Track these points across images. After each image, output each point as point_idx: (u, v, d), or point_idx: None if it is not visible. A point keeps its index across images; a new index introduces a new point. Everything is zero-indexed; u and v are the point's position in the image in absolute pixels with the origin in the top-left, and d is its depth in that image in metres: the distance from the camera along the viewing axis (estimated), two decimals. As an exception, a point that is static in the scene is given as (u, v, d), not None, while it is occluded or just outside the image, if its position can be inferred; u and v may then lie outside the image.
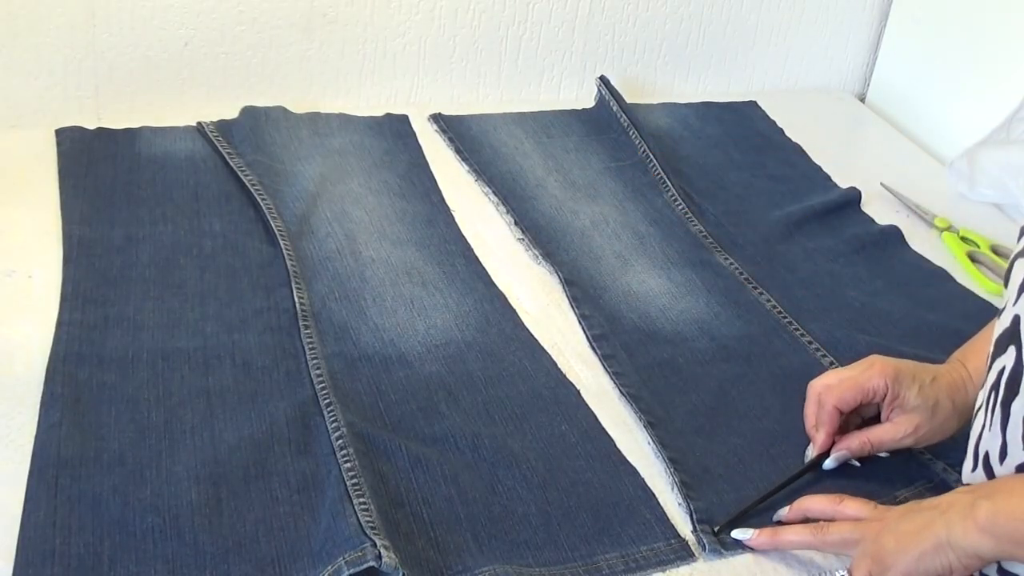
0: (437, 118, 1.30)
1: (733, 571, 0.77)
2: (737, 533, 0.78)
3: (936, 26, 1.43)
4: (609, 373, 0.93)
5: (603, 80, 1.36)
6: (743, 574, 0.77)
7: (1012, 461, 0.68)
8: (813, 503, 0.78)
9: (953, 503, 0.68)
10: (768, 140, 1.38)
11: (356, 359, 0.91)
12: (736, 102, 1.45)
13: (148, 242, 1.01)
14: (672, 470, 0.83)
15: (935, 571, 0.68)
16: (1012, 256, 0.73)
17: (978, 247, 1.18)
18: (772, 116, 1.43)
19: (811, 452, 0.86)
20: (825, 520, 0.77)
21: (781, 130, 1.40)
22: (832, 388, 0.84)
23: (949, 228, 1.21)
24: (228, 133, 1.19)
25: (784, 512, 0.80)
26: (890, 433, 0.83)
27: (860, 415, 0.87)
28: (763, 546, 0.78)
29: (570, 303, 1.02)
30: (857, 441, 0.84)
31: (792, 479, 0.84)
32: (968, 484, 0.74)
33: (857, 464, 0.86)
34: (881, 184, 1.28)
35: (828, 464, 0.85)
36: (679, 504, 0.81)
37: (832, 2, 1.50)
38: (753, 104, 1.45)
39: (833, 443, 0.85)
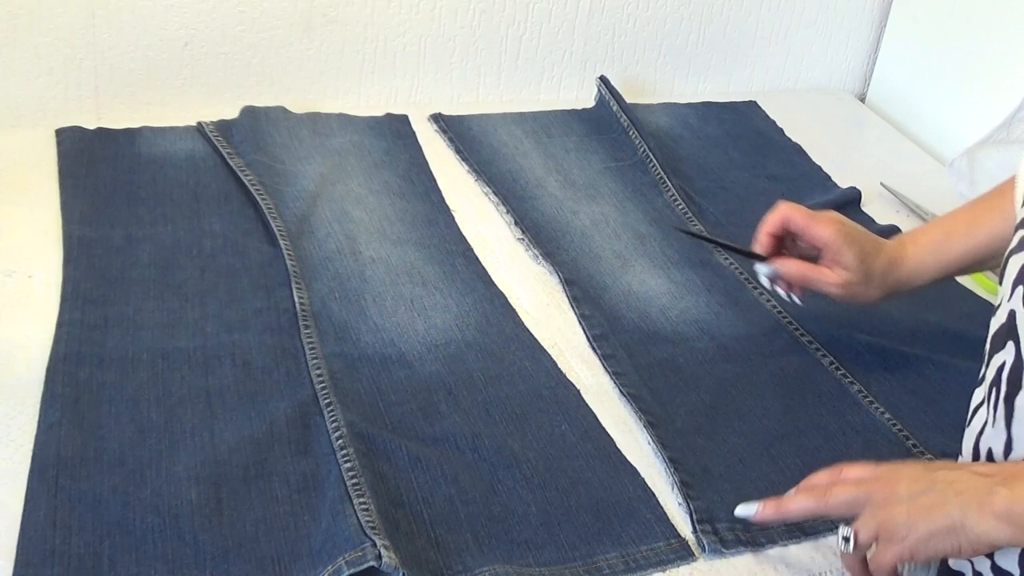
0: (437, 118, 1.30)
1: (733, 571, 0.77)
2: (741, 509, 0.77)
3: (936, 26, 1.43)
4: (609, 373, 0.93)
5: (603, 80, 1.36)
6: (743, 574, 0.77)
7: (1018, 455, 0.68)
8: (816, 479, 0.77)
9: (968, 488, 0.66)
10: (768, 140, 1.38)
11: (356, 359, 0.91)
12: (736, 102, 1.45)
13: (148, 242, 1.01)
14: (672, 470, 0.83)
15: (944, 551, 0.67)
16: (1006, 252, 0.73)
17: None
18: (772, 116, 1.43)
19: (763, 268, 0.95)
20: None
21: (781, 130, 1.40)
22: (793, 209, 0.93)
23: None
24: (228, 133, 1.19)
25: (753, 510, 0.78)
26: (824, 275, 0.92)
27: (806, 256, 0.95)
28: (768, 518, 0.76)
29: (570, 303, 1.02)
30: (795, 265, 0.93)
31: (736, 249, 0.98)
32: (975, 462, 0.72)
33: (785, 296, 0.96)
34: (881, 184, 1.28)
35: (761, 269, 0.95)
36: (679, 504, 0.81)
37: (832, 2, 1.50)
38: (753, 104, 1.45)
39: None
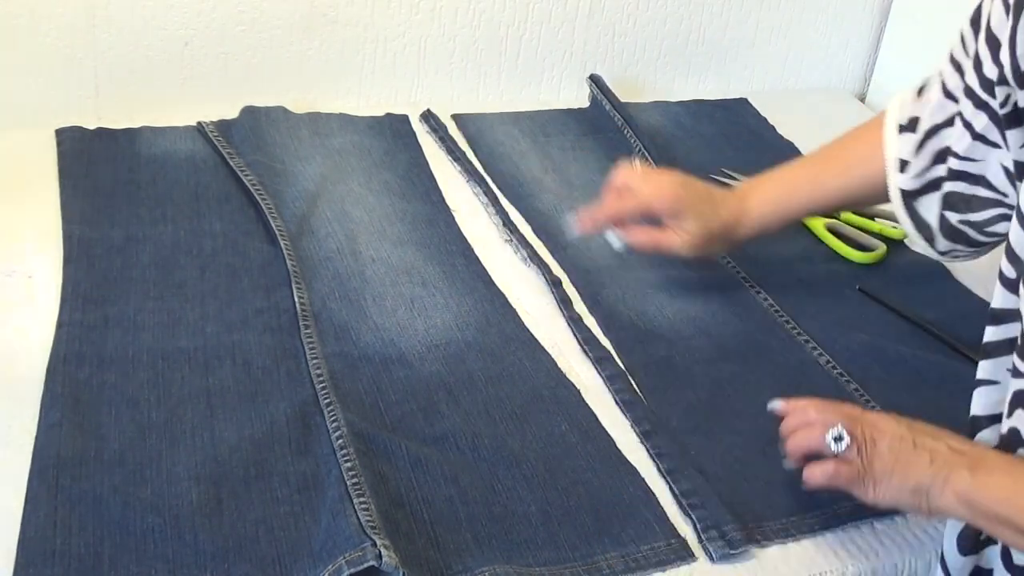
0: (427, 117, 1.30)
1: (733, 571, 0.77)
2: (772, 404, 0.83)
3: (936, 26, 1.43)
4: (602, 376, 0.93)
5: (594, 79, 1.36)
6: (743, 573, 0.77)
7: None
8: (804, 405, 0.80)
9: (941, 460, 0.70)
10: (760, 138, 1.38)
11: (356, 359, 0.91)
12: (727, 99, 1.45)
13: (148, 242, 1.01)
14: (670, 481, 0.83)
15: (907, 507, 0.74)
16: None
17: (836, 217, 1.17)
18: (772, 116, 1.43)
19: (615, 239, 1.00)
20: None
21: (773, 127, 1.40)
22: (631, 174, 0.98)
23: None
24: (228, 133, 1.19)
25: (779, 405, 0.82)
26: (669, 240, 0.98)
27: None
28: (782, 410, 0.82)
29: (558, 304, 1.01)
30: (643, 234, 0.98)
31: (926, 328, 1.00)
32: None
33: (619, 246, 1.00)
34: (722, 170, 1.27)
35: (613, 240, 1.00)
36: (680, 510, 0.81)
37: (832, 2, 1.50)
38: (744, 101, 1.45)
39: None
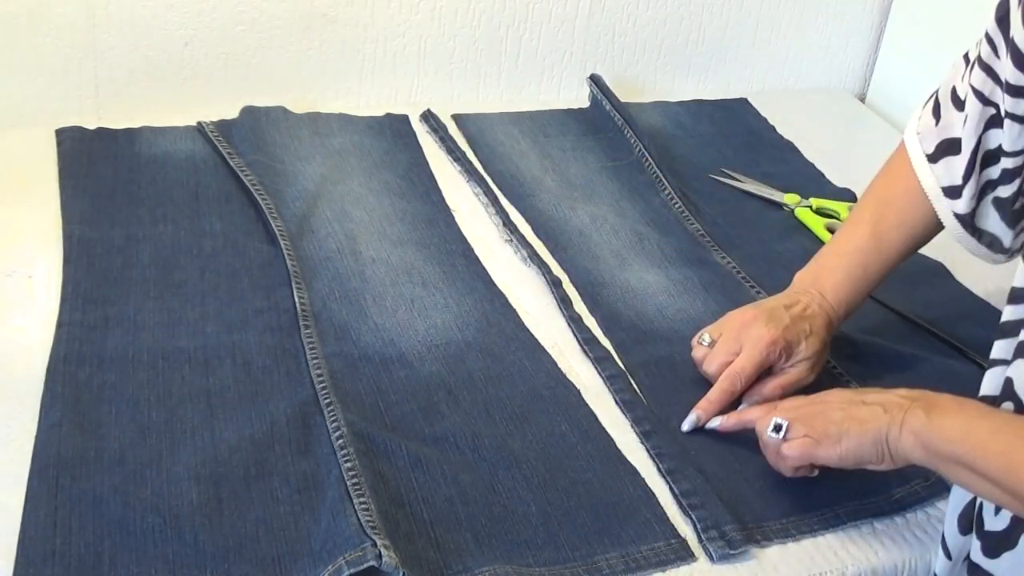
0: (427, 117, 1.30)
1: (733, 571, 0.77)
2: (710, 423, 0.87)
3: (936, 26, 1.43)
4: (603, 377, 0.93)
5: (594, 79, 1.36)
6: (743, 573, 0.77)
7: None
8: (750, 413, 0.84)
9: (894, 407, 0.73)
10: (760, 138, 1.38)
11: (356, 359, 0.91)
12: (727, 99, 1.45)
13: (148, 242, 1.01)
14: (670, 481, 0.83)
15: (869, 460, 0.75)
16: None
17: (836, 217, 1.19)
18: (772, 116, 1.43)
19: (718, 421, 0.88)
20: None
21: (772, 127, 1.40)
22: (745, 374, 0.89)
23: (799, 204, 1.21)
24: (228, 133, 1.19)
25: (718, 422, 0.87)
26: (799, 379, 0.90)
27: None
28: (731, 427, 0.86)
29: (558, 304, 1.01)
30: (771, 390, 0.89)
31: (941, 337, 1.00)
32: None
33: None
34: (722, 170, 1.28)
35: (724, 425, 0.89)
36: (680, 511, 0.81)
37: (832, 2, 1.50)
38: (744, 101, 1.45)
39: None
